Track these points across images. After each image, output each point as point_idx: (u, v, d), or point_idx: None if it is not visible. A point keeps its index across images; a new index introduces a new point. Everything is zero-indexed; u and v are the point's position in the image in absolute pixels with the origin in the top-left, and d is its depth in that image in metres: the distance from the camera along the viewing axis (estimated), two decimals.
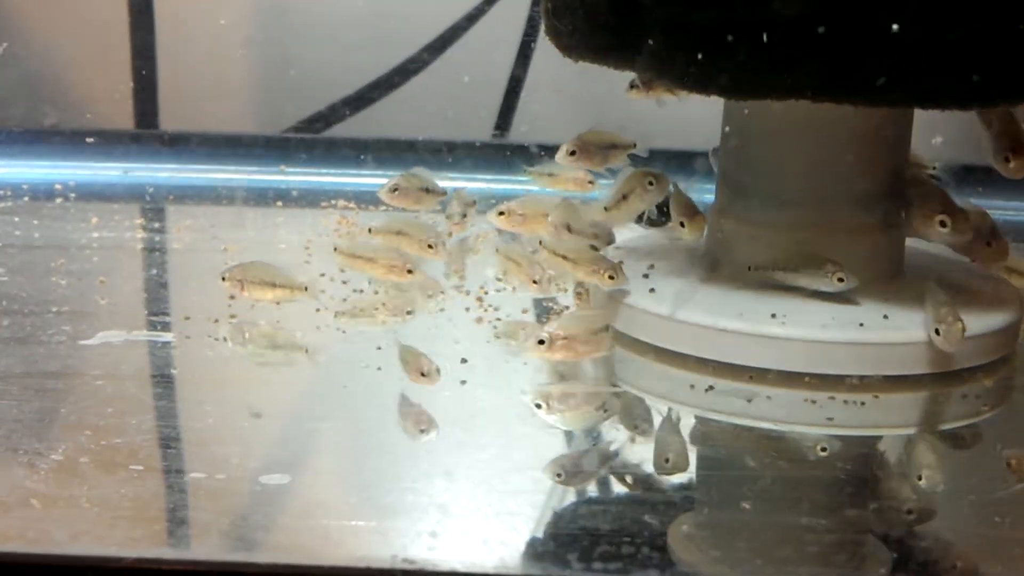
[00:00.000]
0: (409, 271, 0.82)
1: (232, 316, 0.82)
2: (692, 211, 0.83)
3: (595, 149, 0.85)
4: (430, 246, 0.83)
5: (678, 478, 0.64)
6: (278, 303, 0.81)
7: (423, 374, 0.70)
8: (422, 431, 0.67)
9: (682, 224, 0.82)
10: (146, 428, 0.66)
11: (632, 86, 0.85)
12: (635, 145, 0.86)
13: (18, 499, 0.57)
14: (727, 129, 0.82)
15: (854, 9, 0.67)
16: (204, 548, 0.54)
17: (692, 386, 0.74)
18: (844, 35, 0.68)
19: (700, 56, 0.71)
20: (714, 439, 0.70)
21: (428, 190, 0.89)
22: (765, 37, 0.69)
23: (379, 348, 0.77)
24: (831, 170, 0.78)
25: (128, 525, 0.56)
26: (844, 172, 0.78)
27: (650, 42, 0.73)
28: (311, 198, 1.16)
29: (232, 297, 0.82)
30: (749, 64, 0.70)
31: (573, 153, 0.85)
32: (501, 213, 0.87)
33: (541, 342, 0.71)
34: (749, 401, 0.72)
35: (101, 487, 0.59)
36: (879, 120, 0.77)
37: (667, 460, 0.65)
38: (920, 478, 0.64)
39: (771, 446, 0.67)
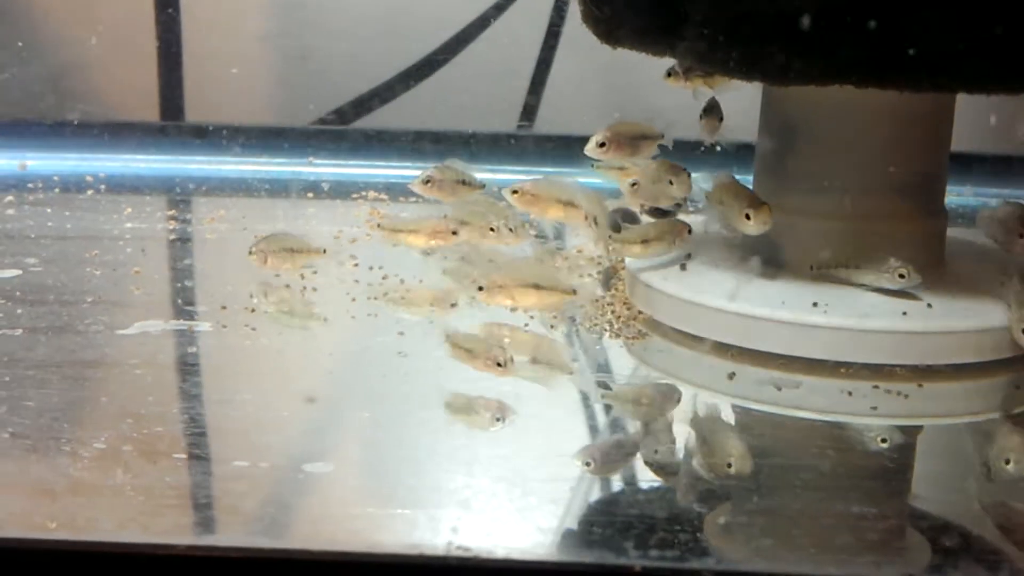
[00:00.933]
0: (454, 232, 0.81)
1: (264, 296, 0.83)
2: (756, 201, 0.77)
3: (625, 140, 0.85)
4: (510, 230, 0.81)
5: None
6: (302, 276, 0.82)
7: (499, 364, 0.67)
8: (497, 419, 0.65)
9: (747, 216, 0.75)
10: (187, 417, 0.66)
11: (669, 73, 0.84)
12: (663, 136, 0.85)
13: (64, 487, 0.57)
14: (766, 116, 0.81)
15: None
16: (251, 536, 0.54)
17: (732, 375, 0.73)
18: (889, 19, 0.67)
19: (743, 42, 0.70)
20: (761, 429, 0.69)
21: (464, 182, 0.89)
22: (809, 22, 0.68)
23: (401, 333, 0.77)
24: (872, 157, 0.77)
25: (175, 513, 0.55)
26: (885, 159, 0.77)
27: (692, 28, 0.72)
28: (341, 190, 1.16)
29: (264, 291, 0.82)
30: (793, 49, 0.69)
31: (603, 145, 0.84)
32: (515, 192, 0.86)
33: None
34: (779, 389, 0.71)
35: (145, 475, 0.59)
36: (921, 106, 0.76)
37: (729, 465, 0.62)
38: (1008, 462, 0.63)
39: (823, 435, 0.66)
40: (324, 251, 0.81)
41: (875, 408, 0.69)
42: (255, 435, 0.65)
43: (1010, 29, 0.68)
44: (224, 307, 0.82)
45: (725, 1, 0.70)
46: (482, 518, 0.55)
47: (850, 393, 0.70)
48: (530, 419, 0.66)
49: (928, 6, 0.67)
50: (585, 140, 1.29)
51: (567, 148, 1.27)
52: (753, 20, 0.69)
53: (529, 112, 1.31)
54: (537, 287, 0.74)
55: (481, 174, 1.22)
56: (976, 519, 0.58)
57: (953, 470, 0.66)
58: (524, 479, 0.59)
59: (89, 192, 1.14)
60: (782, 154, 0.80)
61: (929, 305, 0.74)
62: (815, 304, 0.74)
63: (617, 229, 0.83)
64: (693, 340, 0.77)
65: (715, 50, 0.71)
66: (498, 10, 1.29)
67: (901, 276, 0.73)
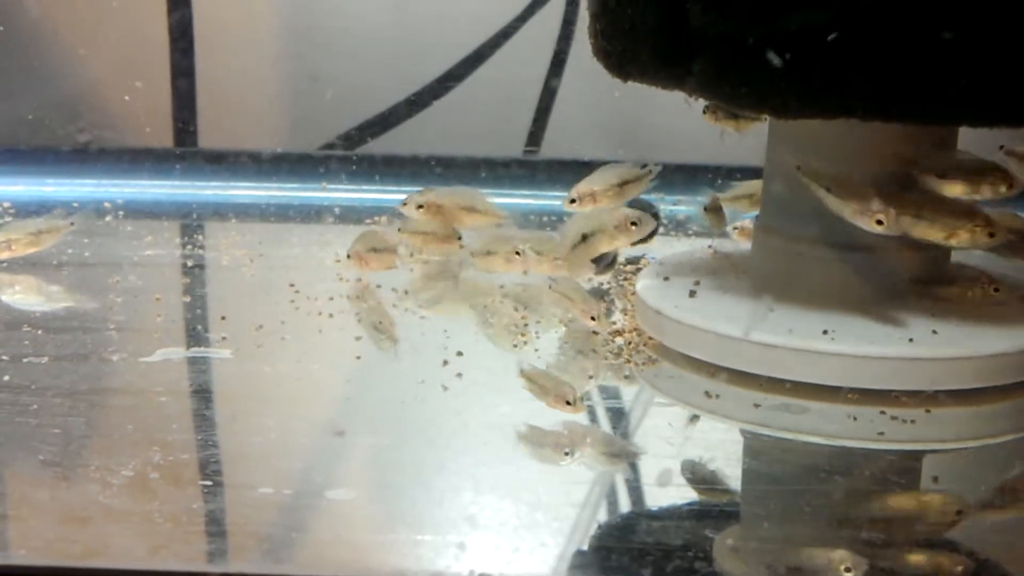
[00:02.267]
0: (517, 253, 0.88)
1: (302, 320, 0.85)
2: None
3: (600, 195, 0.87)
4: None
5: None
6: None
7: (568, 403, 0.69)
8: (566, 454, 0.65)
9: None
10: (212, 443, 0.68)
11: (705, 111, 0.87)
12: (652, 173, 0.88)
13: (95, 514, 0.59)
14: (773, 146, 0.83)
15: (903, 29, 0.68)
16: (276, 562, 0.56)
17: (756, 405, 0.74)
18: (894, 55, 0.69)
19: (750, 76, 0.72)
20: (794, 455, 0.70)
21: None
22: (815, 57, 0.70)
23: (445, 363, 0.79)
24: (875, 186, 0.79)
25: (201, 539, 0.57)
26: (887, 189, 0.79)
27: (701, 62, 0.74)
28: (354, 215, 1.18)
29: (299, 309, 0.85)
30: (799, 84, 0.71)
31: (573, 202, 0.87)
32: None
33: None
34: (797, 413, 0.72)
35: (173, 502, 0.60)
36: (924, 136, 0.78)
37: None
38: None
39: (828, 461, 0.68)
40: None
41: (882, 433, 0.71)
42: (278, 461, 0.66)
43: (1012, 64, 0.69)
44: (240, 335, 0.84)
45: (732, 36, 0.72)
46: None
47: (855, 418, 0.72)
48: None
49: (931, 42, 0.69)
50: (592, 164, 1.32)
51: (573, 173, 1.28)
52: (760, 55, 0.71)
53: (535, 137, 1.33)
54: None
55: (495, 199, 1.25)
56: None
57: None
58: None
59: (107, 218, 1.16)
60: (788, 183, 0.82)
61: (934, 331, 0.76)
62: (824, 331, 0.76)
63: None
64: (702, 366, 0.78)
65: (723, 84, 0.73)
66: (505, 36, 1.31)
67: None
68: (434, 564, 0.55)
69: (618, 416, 0.74)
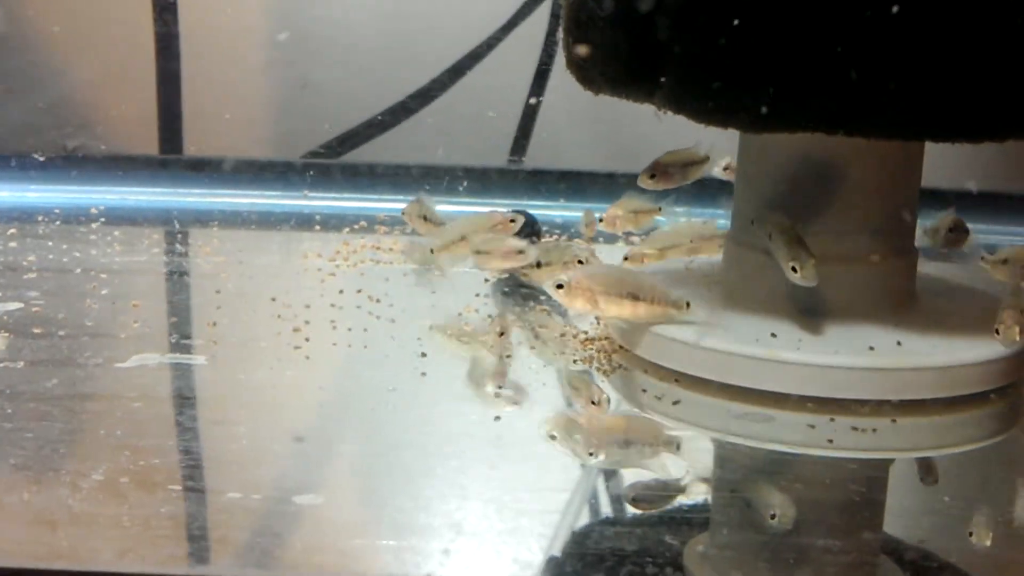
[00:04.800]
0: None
1: (278, 329, 0.84)
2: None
3: (674, 170, 0.91)
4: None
5: None
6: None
7: (594, 403, 0.72)
8: (590, 454, 0.68)
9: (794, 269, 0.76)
10: (183, 449, 0.68)
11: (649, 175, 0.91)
12: (708, 159, 0.91)
13: (64, 518, 0.60)
14: (742, 161, 0.85)
15: (867, 45, 0.70)
16: (243, 567, 0.56)
17: (745, 415, 0.75)
18: (859, 70, 0.70)
19: (717, 91, 0.73)
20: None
21: (426, 218, 0.95)
22: (782, 72, 0.71)
23: (423, 355, 0.80)
24: (843, 199, 0.80)
25: (171, 544, 0.58)
26: (854, 201, 0.80)
27: (669, 76, 0.75)
28: (334, 223, 1.19)
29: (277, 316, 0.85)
30: (766, 98, 0.72)
31: (653, 176, 0.90)
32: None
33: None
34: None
35: (143, 507, 0.61)
36: (891, 151, 0.79)
37: (773, 516, 0.63)
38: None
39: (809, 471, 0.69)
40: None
41: (831, 441, 0.72)
42: (249, 467, 0.67)
43: (974, 82, 0.71)
44: (216, 342, 0.85)
45: (699, 51, 0.73)
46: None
47: (813, 426, 0.73)
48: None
49: (895, 58, 0.70)
50: (575, 174, 1.33)
51: (557, 182, 1.30)
52: (727, 70, 0.72)
53: (520, 146, 1.34)
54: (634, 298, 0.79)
55: (472, 208, 1.27)
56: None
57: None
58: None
59: (91, 225, 1.17)
60: (755, 195, 0.83)
61: (899, 343, 0.77)
62: (800, 340, 0.77)
63: None
64: (666, 373, 0.79)
65: (690, 99, 0.74)
66: (489, 47, 1.32)
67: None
68: (397, 568, 0.56)
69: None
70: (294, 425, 0.73)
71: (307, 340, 0.85)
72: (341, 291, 0.97)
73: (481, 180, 1.30)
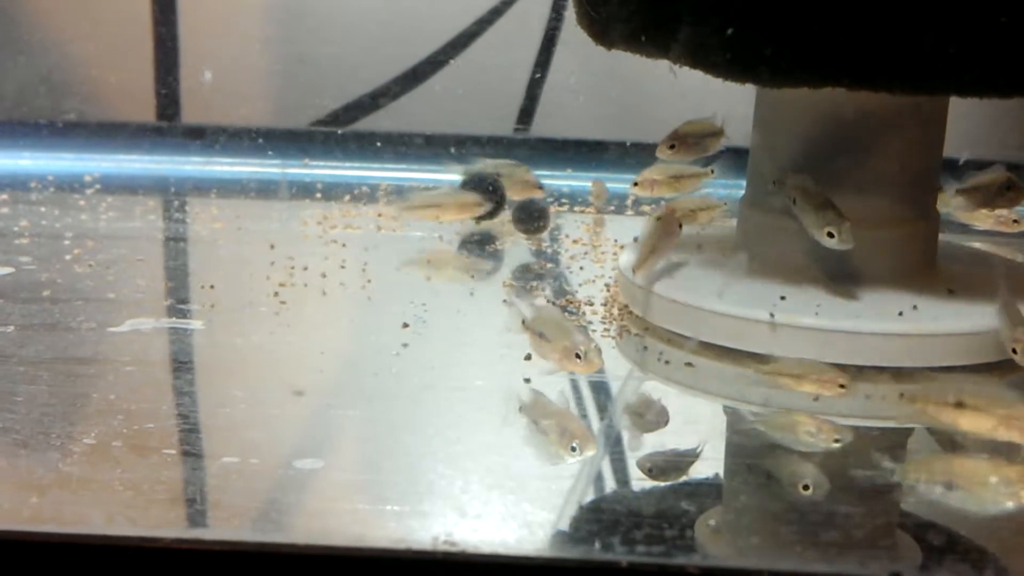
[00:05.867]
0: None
1: (276, 292, 0.82)
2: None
3: (693, 140, 0.88)
4: None
5: None
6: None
7: (578, 356, 0.63)
8: (573, 449, 0.58)
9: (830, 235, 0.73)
10: (177, 413, 0.66)
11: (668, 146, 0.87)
12: (724, 132, 0.88)
13: (53, 481, 0.57)
14: (759, 119, 0.82)
15: None
16: (236, 530, 0.54)
17: (739, 380, 0.72)
18: (881, 21, 0.67)
19: (735, 44, 0.70)
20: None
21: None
22: (801, 23, 0.68)
23: (406, 325, 0.77)
24: (862, 160, 0.77)
25: (162, 507, 0.55)
26: (876, 163, 0.77)
27: (685, 30, 0.72)
28: (336, 192, 1.16)
29: (274, 281, 0.82)
30: (785, 51, 0.69)
31: (673, 147, 0.87)
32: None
33: None
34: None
35: (134, 470, 0.59)
36: (913, 109, 0.76)
37: (807, 487, 0.60)
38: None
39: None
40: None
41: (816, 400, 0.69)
42: (245, 431, 0.65)
43: (1001, 33, 0.68)
44: (213, 306, 0.82)
45: (717, 3, 0.70)
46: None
47: (816, 399, 0.70)
48: None
49: (919, 9, 0.67)
50: (581, 144, 1.31)
51: (564, 151, 1.27)
52: (745, 22, 0.69)
53: (526, 116, 1.31)
54: None
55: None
56: None
57: None
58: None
59: (86, 191, 1.14)
60: (774, 157, 0.80)
61: (915, 307, 0.74)
62: (818, 305, 0.74)
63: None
64: (684, 341, 0.77)
65: (707, 52, 0.71)
66: (496, 14, 1.29)
67: (830, 235, 0.72)
68: (399, 532, 0.53)
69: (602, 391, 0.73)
70: (292, 389, 0.71)
71: (306, 305, 0.83)
72: (342, 259, 0.94)
73: (486, 149, 1.27)
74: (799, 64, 0.69)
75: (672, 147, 0.86)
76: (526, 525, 0.54)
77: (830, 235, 0.73)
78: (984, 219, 0.88)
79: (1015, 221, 0.89)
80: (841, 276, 0.77)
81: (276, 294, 0.84)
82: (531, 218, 1.00)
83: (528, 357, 0.72)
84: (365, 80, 1.30)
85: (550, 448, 0.59)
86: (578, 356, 0.64)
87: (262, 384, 0.71)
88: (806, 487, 0.60)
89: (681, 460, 0.63)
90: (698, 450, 0.64)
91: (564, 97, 1.31)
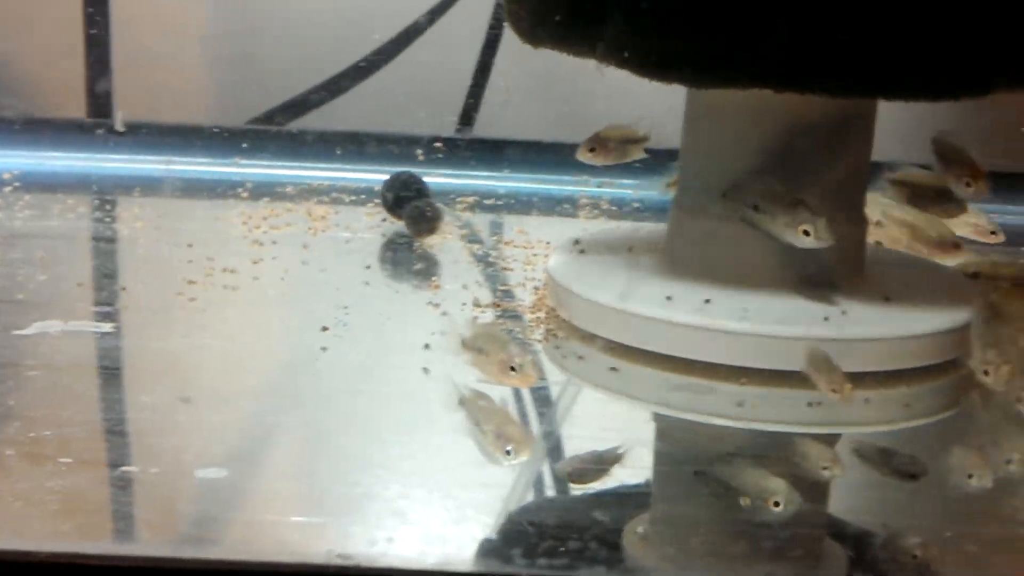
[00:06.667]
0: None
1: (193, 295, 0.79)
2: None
3: (614, 144, 0.85)
4: None
5: None
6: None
7: (513, 369, 0.62)
8: (508, 452, 0.57)
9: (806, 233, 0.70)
10: (78, 420, 0.63)
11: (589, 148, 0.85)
12: (648, 138, 0.86)
13: None
14: (687, 121, 0.81)
15: None
16: (128, 543, 0.52)
17: (665, 385, 0.71)
18: (806, 23, 0.67)
19: (661, 45, 0.69)
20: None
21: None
22: (726, 23, 0.67)
23: (325, 328, 0.75)
24: (791, 163, 0.76)
25: (52, 519, 0.53)
26: (803, 165, 0.76)
27: (612, 29, 0.71)
28: (264, 191, 1.13)
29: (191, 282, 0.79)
30: (710, 52, 0.68)
31: (593, 150, 0.85)
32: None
33: None
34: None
35: (27, 480, 0.56)
36: (842, 112, 0.76)
37: (777, 504, 0.58)
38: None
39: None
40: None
41: (768, 412, 0.68)
42: (150, 439, 0.62)
43: (927, 36, 0.68)
44: (126, 309, 0.79)
45: (641, 2, 0.69)
46: None
47: (741, 404, 0.69)
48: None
49: (844, 10, 0.66)
50: (523, 144, 1.29)
51: (505, 152, 1.26)
52: (671, 22, 0.68)
53: (468, 116, 1.29)
54: None
55: (428, 178, 1.22)
56: None
57: None
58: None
59: (4, 189, 1.10)
60: (701, 157, 0.79)
61: (844, 312, 0.74)
62: (744, 310, 0.73)
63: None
64: (609, 345, 0.75)
65: (632, 52, 0.70)
66: (435, 14, 1.28)
67: (805, 233, 0.70)
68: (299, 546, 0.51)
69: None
70: (199, 395, 0.68)
71: (222, 307, 0.80)
72: (263, 259, 0.91)
73: (426, 150, 1.25)
74: (724, 65, 0.69)
75: (592, 150, 0.85)
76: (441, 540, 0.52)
77: (806, 233, 0.70)
78: (962, 227, 0.87)
79: (992, 232, 0.88)
80: (768, 280, 0.76)
81: (192, 299, 0.81)
82: (424, 218, 0.99)
83: (427, 346, 0.72)
84: (305, 78, 1.27)
85: (487, 449, 0.58)
86: (513, 369, 0.63)
87: (171, 389, 0.69)
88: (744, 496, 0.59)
89: (603, 466, 0.62)
90: (619, 451, 0.62)
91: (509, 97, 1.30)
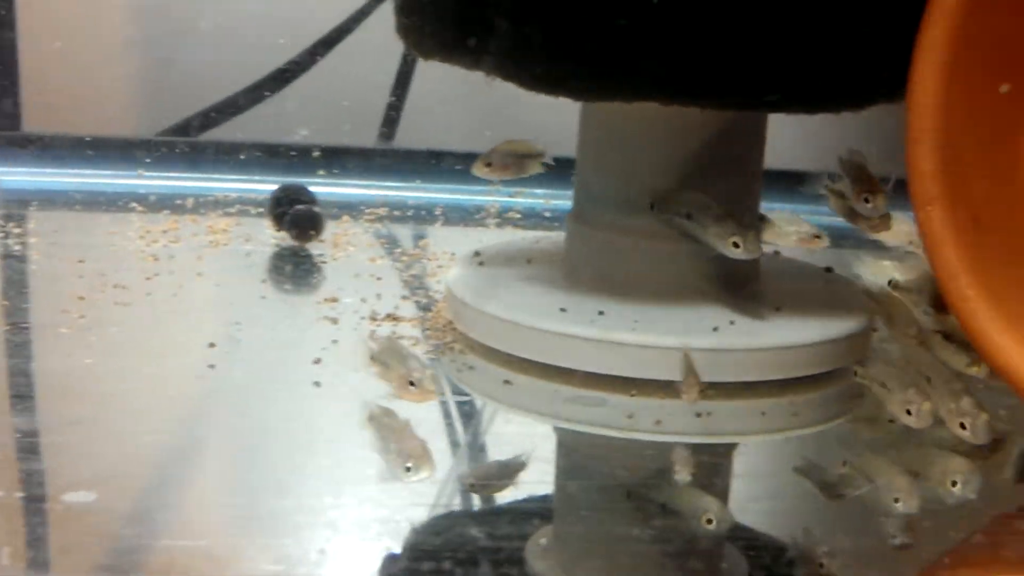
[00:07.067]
0: None
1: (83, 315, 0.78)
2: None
3: (510, 160, 0.84)
4: None
5: None
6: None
7: (411, 383, 0.62)
8: (408, 469, 0.57)
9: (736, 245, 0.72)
10: None
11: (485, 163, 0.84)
12: (544, 153, 0.85)
13: None
14: (582, 132, 0.81)
15: (699, 11, 0.67)
16: None
17: (556, 397, 0.71)
18: (691, 37, 0.67)
19: (547, 58, 0.69)
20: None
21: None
22: (610, 37, 0.68)
23: (212, 345, 0.74)
24: (682, 175, 0.77)
25: None
26: (696, 177, 0.77)
27: (497, 42, 0.71)
28: (165, 204, 1.11)
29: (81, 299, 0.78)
30: (596, 66, 0.69)
31: (489, 165, 0.84)
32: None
33: None
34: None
35: None
36: (731, 124, 0.76)
37: (710, 521, 0.58)
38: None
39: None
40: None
41: (659, 423, 0.69)
42: (19, 463, 0.60)
43: (804, 50, 0.68)
44: (13, 325, 0.77)
45: (529, 16, 0.69)
46: None
47: (630, 416, 0.69)
48: None
49: (727, 25, 0.67)
50: (446, 155, 1.29)
51: (427, 162, 1.25)
52: (556, 36, 0.69)
53: (389, 126, 1.28)
54: None
55: (339, 189, 1.21)
56: None
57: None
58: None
59: None
60: (596, 169, 0.80)
61: (732, 322, 0.74)
62: (636, 321, 0.73)
63: None
64: (504, 357, 0.75)
65: (519, 65, 0.70)
66: (355, 21, 1.26)
67: (735, 245, 0.71)
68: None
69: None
70: (77, 416, 0.66)
71: (110, 324, 0.78)
72: (157, 274, 0.89)
73: (345, 160, 1.24)
74: (609, 79, 0.69)
75: (488, 165, 0.85)
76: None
77: (735, 245, 0.71)
78: (897, 236, 0.88)
79: (816, 237, 0.88)
80: (661, 291, 0.76)
81: (82, 314, 0.79)
82: (306, 223, 0.98)
83: (318, 360, 0.72)
84: (221, 88, 1.25)
85: (389, 465, 0.58)
86: (412, 384, 0.63)
87: (49, 411, 0.67)
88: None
89: (507, 475, 0.62)
90: (523, 459, 0.63)
91: (431, 107, 1.29)
